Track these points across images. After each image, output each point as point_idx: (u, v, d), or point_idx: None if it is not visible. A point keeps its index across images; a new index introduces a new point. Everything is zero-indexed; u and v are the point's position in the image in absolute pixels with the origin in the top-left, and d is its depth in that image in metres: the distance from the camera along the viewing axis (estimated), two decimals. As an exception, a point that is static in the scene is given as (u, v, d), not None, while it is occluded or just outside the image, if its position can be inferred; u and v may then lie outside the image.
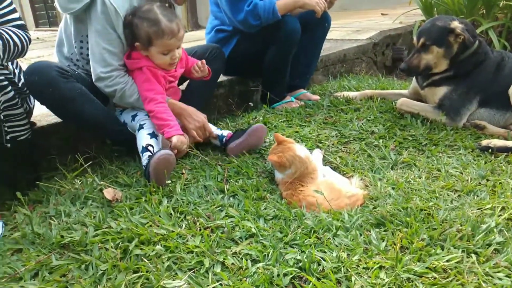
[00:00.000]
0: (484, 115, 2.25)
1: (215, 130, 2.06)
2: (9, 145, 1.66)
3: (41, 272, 1.26)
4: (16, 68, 1.81)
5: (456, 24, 2.20)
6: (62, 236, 1.39)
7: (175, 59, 1.88)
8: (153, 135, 1.83)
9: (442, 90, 2.29)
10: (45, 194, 1.70)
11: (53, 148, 1.93)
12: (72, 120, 1.82)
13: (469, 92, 2.24)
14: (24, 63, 3.46)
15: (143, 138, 1.81)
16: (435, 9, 3.97)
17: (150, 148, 1.77)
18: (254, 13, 2.30)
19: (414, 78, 2.55)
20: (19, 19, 1.71)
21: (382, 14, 5.57)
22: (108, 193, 1.60)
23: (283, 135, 2.10)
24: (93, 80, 1.86)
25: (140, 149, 1.79)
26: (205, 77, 2.09)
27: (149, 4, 1.83)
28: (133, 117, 1.91)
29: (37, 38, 5.94)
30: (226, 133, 2.06)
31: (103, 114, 1.84)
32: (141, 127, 1.85)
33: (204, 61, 2.04)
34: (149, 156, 1.72)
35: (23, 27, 1.72)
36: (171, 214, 1.50)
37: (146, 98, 1.83)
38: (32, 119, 1.89)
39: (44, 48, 4.49)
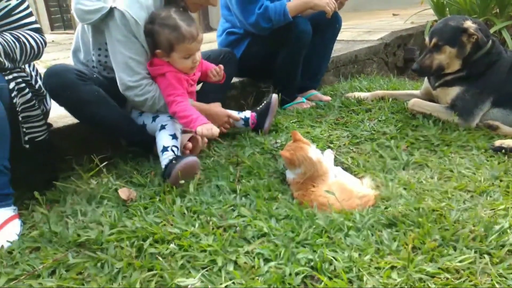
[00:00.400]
0: (497, 115, 2.23)
1: (236, 114, 2.17)
2: (27, 146, 1.70)
3: (58, 270, 1.29)
4: (33, 70, 1.85)
5: (469, 24, 2.18)
6: (78, 235, 1.42)
7: (196, 62, 1.91)
8: (174, 136, 1.86)
9: (454, 91, 2.28)
10: (62, 194, 1.74)
11: (69, 149, 1.98)
12: (89, 122, 1.86)
13: (482, 93, 2.22)
14: (40, 65, 3.53)
15: (164, 139, 1.84)
16: (447, 9, 3.94)
17: (173, 149, 1.80)
18: (265, 16, 2.31)
19: (426, 78, 2.54)
20: (35, 22, 1.75)
21: (394, 14, 5.54)
22: (123, 192, 1.63)
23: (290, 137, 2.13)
24: (121, 90, 1.87)
25: (160, 148, 1.82)
26: (220, 81, 2.13)
27: (166, 11, 1.85)
28: (154, 118, 1.94)
29: (52, 41, 6.05)
30: (248, 114, 2.19)
31: (119, 116, 1.88)
32: (162, 127, 1.88)
33: (222, 66, 2.08)
34: (172, 157, 1.75)
35: (39, 31, 1.76)
36: (184, 213, 1.52)
37: (169, 102, 1.87)
38: (48, 120, 1.94)
39: (59, 51, 4.57)
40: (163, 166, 1.76)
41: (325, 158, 1.81)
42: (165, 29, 1.80)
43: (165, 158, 1.77)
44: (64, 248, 1.39)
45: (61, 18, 9.20)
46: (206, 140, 2.05)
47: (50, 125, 1.95)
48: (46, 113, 1.87)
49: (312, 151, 1.71)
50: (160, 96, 1.91)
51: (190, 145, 1.96)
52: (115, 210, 1.54)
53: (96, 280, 1.24)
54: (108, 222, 1.47)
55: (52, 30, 8.90)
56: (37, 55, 1.73)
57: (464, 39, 2.19)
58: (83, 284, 1.24)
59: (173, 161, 1.73)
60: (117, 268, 1.27)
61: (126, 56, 1.82)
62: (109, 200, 1.63)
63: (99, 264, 1.30)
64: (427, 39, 2.33)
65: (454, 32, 2.21)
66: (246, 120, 2.20)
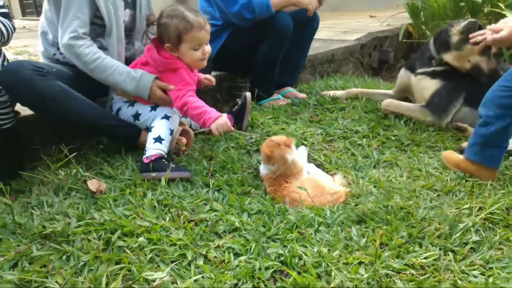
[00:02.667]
0: (468, 115, 2.30)
1: None
2: (-9, 133, 1.64)
3: (21, 262, 1.24)
4: (0, 56, 1.78)
5: None
6: (44, 227, 1.37)
7: (206, 54, 1.87)
8: (171, 133, 1.83)
9: (435, 85, 2.32)
10: (27, 184, 1.68)
11: (37, 138, 1.91)
12: (58, 119, 1.77)
13: (456, 89, 2.29)
14: (10, 51, 3.41)
15: (163, 128, 1.80)
16: (422, 12, 4.04)
17: (165, 144, 1.77)
18: (249, 7, 2.31)
19: (403, 71, 2.58)
20: (2, 7, 1.69)
21: (371, 16, 5.63)
22: (92, 184, 1.59)
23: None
24: (60, 47, 1.81)
25: (155, 135, 1.77)
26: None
27: (173, 6, 1.86)
28: (154, 107, 1.89)
29: (24, 27, 5.85)
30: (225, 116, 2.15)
31: (92, 111, 1.79)
32: (166, 117, 1.83)
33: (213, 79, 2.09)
34: (166, 156, 1.73)
35: (6, 16, 1.70)
36: (155, 206, 1.50)
37: (178, 95, 1.82)
38: (16, 108, 1.86)
39: (31, 38, 4.42)
40: (148, 154, 1.72)
41: (299, 155, 1.82)
42: (173, 19, 1.80)
43: (154, 149, 1.74)
44: (28, 240, 1.34)
45: (33, 4, 8.89)
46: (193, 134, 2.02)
47: (17, 112, 1.88)
48: (13, 100, 1.80)
49: (291, 153, 1.71)
50: (104, 63, 1.81)
51: (185, 140, 1.93)
52: (83, 202, 1.50)
53: (61, 273, 1.21)
54: (75, 214, 1.43)
55: (23, 16, 8.58)
56: (6, 41, 1.66)
57: None
58: (46, 277, 1.20)
59: (164, 160, 1.70)
60: (83, 261, 1.24)
61: (69, 14, 1.76)
62: (77, 192, 1.59)
63: (64, 257, 1.27)
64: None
65: None
66: None
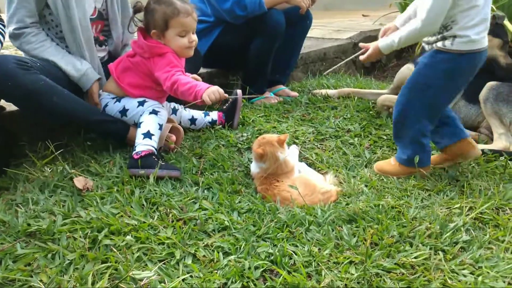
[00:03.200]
0: (462, 108, 2.31)
1: (203, 115, 2.17)
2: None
3: (5, 260, 1.22)
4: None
5: None
6: (29, 224, 1.34)
7: (193, 42, 1.85)
8: (161, 127, 1.80)
9: None
10: (12, 181, 1.64)
11: (23, 134, 1.86)
12: (45, 115, 1.72)
13: None
14: None
15: (151, 124, 1.77)
16: (414, 12, 4.04)
17: (155, 140, 1.74)
18: (241, 4, 2.30)
19: (407, 66, 2.56)
20: None
21: (363, 15, 5.64)
22: (79, 181, 1.55)
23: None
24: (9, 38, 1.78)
25: (143, 131, 1.74)
26: None
27: None
28: (142, 102, 1.85)
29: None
30: (215, 115, 2.18)
31: (78, 106, 1.75)
32: (154, 112, 1.81)
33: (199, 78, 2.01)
34: (156, 153, 1.71)
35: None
36: (143, 205, 1.47)
37: (167, 77, 1.78)
38: (1, 103, 1.82)
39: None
40: (137, 150, 1.69)
41: (290, 153, 1.80)
42: (161, 5, 1.79)
43: (144, 144, 1.71)
44: (12, 238, 1.31)
45: None
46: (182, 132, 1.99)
47: (2, 108, 1.84)
48: None
49: (283, 151, 1.69)
50: (51, 52, 1.80)
51: (174, 138, 1.90)
52: (69, 200, 1.47)
53: (46, 272, 1.18)
54: (61, 212, 1.40)
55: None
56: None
57: None
58: (31, 276, 1.17)
59: (154, 157, 1.68)
60: (69, 259, 1.22)
61: (15, 3, 1.73)
62: (63, 189, 1.55)
63: (49, 255, 1.24)
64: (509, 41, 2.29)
65: None
66: (213, 122, 2.17)
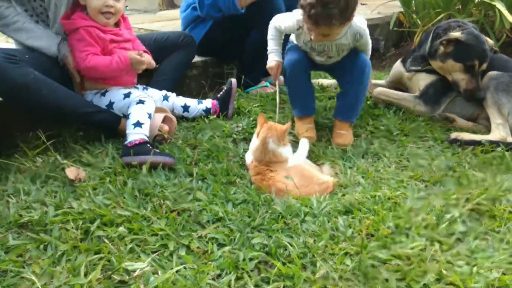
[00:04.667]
0: (457, 103, 2.29)
1: (196, 103, 2.14)
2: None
3: (-4, 251, 1.20)
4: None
5: (491, 42, 2.23)
6: (20, 215, 1.33)
7: (110, 6, 1.81)
8: (150, 116, 1.78)
9: (430, 78, 2.31)
10: (3, 171, 1.62)
11: (14, 124, 1.84)
12: (35, 109, 1.68)
13: None
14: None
15: (140, 113, 1.76)
16: (413, 1, 4.00)
17: (146, 128, 1.73)
18: (215, 7, 2.28)
19: (397, 64, 2.55)
20: None
21: (362, 3, 5.58)
22: (71, 172, 1.53)
23: (256, 120, 2.08)
24: None
25: (133, 121, 1.73)
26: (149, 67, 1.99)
27: None
28: (127, 95, 1.84)
29: None
30: (209, 103, 2.15)
31: (69, 98, 1.73)
32: (141, 102, 1.80)
33: (146, 53, 1.96)
34: (147, 140, 1.70)
35: None
36: (136, 196, 1.46)
37: (82, 58, 1.78)
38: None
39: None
40: (130, 139, 1.68)
41: (300, 147, 1.80)
42: None
43: (136, 133, 1.69)
44: (3, 228, 1.30)
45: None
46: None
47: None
48: None
49: (277, 141, 1.67)
50: (27, 27, 1.77)
51: (167, 128, 1.88)
52: (61, 190, 1.45)
53: (38, 263, 1.17)
54: (53, 203, 1.38)
55: None
56: None
57: None
58: (23, 267, 1.16)
59: (149, 146, 1.66)
60: (61, 250, 1.21)
61: None
62: (55, 180, 1.54)
63: (41, 246, 1.23)
64: (476, 62, 2.13)
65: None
66: (207, 110, 2.15)
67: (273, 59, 2.06)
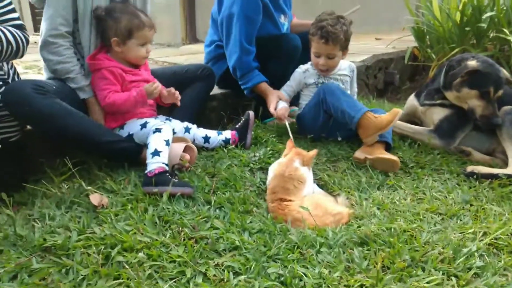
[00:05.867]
0: (474, 137, 2.29)
1: (216, 134, 2.20)
2: (0, 146, 1.64)
3: (20, 274, 1.24)
4: (11, 68, 1.81)
5: (507, 74, 2.25)
6: (44, 239, 1.37)
7: (149, 52, 2.00)
8: (168, 142, 1.84)
9: (444, 112, 2.33)
10: (30, 196, 1.68)
11: (42, 151, 1.92)
12: (58, 137, 1.76)
13: (467, 117, 2.28)
14: (19, 66, 3.46)
15: (157, 142, 1.81)
16: (427, 36, 4.07)
17: (164, 155, 1.78)
18: (235, 73, 2.47)
19: (411, 98, 2.59)
20: (17, 19, 1.71)
21: (376, 38, 5.69)
22: (95, 198, 1.59)
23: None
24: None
25: (151, 150, 1.79)
26: (175, 103, 2.10)
27: (123, 3, 1.96)
28: (143, 125, 1.92)
29: (35, 42, 5.95)
30: (228, 134, 2.21)
31: (92, 127, 1.81)
32: (157, 130, 1.86)
33: (173, 89, 2.07)
34: (167, 170, 1.74)
35: (21, 27, 1.72)
36: (156, 222, 1.49)
37: (103, 95, 1.89)
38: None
39: (41, 52, 4.49)
40: (150, 169, 1.73)
41: (311, 175, 1.83)
42: (126, 15, 1.90)
43: (155, 163, 1.75)
44: (28, 252, 1.34)
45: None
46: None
47: (24, 126, 1.90)
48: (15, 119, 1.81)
49: (301, 168, 1.73)
50: (68, 67, 1.88)
51: (188, 157, 1.93)
52: (84, 216, 1.49)
53: (60, 286, 1.20)
54: (76, 228, 1.43)
55: (35, 31, 8.76)
56: (18, 52, 1.67)
57: None
58: (45, 291, 1.19)
59: (168, 175, 1.71)
60: (82, 275, 1.24)
61: (52, 11, 1.84)
62: (79, 205, 1.59)
63: (63, 270, 1.26)
64: (491, 88, 2.16)
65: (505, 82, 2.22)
66: (226, 141, 2.20)
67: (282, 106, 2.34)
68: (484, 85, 2.16)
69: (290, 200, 1.64)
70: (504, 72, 2.25)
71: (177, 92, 2.07)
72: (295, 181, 1.70)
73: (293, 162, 1.76)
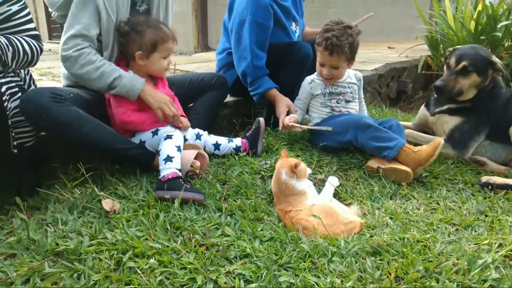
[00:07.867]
0: (488, 148, 2.26)
1: (227, 141, 2.21)
2: (15, 150, 1.67)
3: (33, 278, 1.25)
4: (27, 74, 1.85)
5: (496, 59, 2.27)
6: (57, 244, 1.38)
7: (170, 63, 2.03)
8: (179, 148, 1.86)
9: (454, 120, 2.32)
10: (44, 201, 1.70)
11: (55, 156, 1.95)
12: (75, 143, 1.78)
13: (480, 124, 2.27)
14: (34, 72, 3.53)
15: (169, 148, 1.83)
16: (441, 45, 4.05)
17: (177, 161, 1.80)
18: (244, 79, 2.49)
19: (422, 108, 2.58)
20: (34, 29, 1.76)
21: (389, 47, 5.67)
22: (107, 204, 1.60)
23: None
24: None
25: (163, 156, 1.80)
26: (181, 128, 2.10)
27: (144, 16, 1.99)
28: (154, 132, 1.94)
29: (50, 50, 6.06)
30: (239, 142, 2.22)
31: (108, 135, 1.82)
32: (168, 137, 1.88)
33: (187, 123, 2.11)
34: (180, 175, 1.75)
35: (37, 37, 1.76)
36: (167, 229, 1.50)
37: (121, 112, 1.91)
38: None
39: (56, 60, 4.58)
40: (163, 174, 1.74)
41: (326, 184, 1.86)
42: (151, 29, 1.91)
43: (167, 168, 1.76)
44: (41, 256, 1.35)
45: (60, 28, 9.26)
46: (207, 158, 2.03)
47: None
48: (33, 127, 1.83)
49: (290, 174, 1.72)
50: (109, 69, 1.85)
51: (199, 164, 1.93)
52: (96, 221, 1.50)
53: (71, 291, 1.21)
54: (88, 233, 1.44)
55: (50, 39, 8.92)
56: (32, 61, 1.72)
57: (490, 72, 2.27)
58: (57, 295, 1.20)
59: (181, 181, 1.72)
60: (93, 280, 1.24)
61: (75, 26, 1.83)
62: (91, 211, 1.60)
63: (75, 275, 1.27)
64: (452, 60, 2.31)
65: (484, 62, 2.26)
66: (237, 148, 2.21)
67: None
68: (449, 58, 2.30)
69: (297, 211, 1.63)
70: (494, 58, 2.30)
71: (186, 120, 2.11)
72: (293, 196, 1.70)
73: (280, 175, 1.73)
